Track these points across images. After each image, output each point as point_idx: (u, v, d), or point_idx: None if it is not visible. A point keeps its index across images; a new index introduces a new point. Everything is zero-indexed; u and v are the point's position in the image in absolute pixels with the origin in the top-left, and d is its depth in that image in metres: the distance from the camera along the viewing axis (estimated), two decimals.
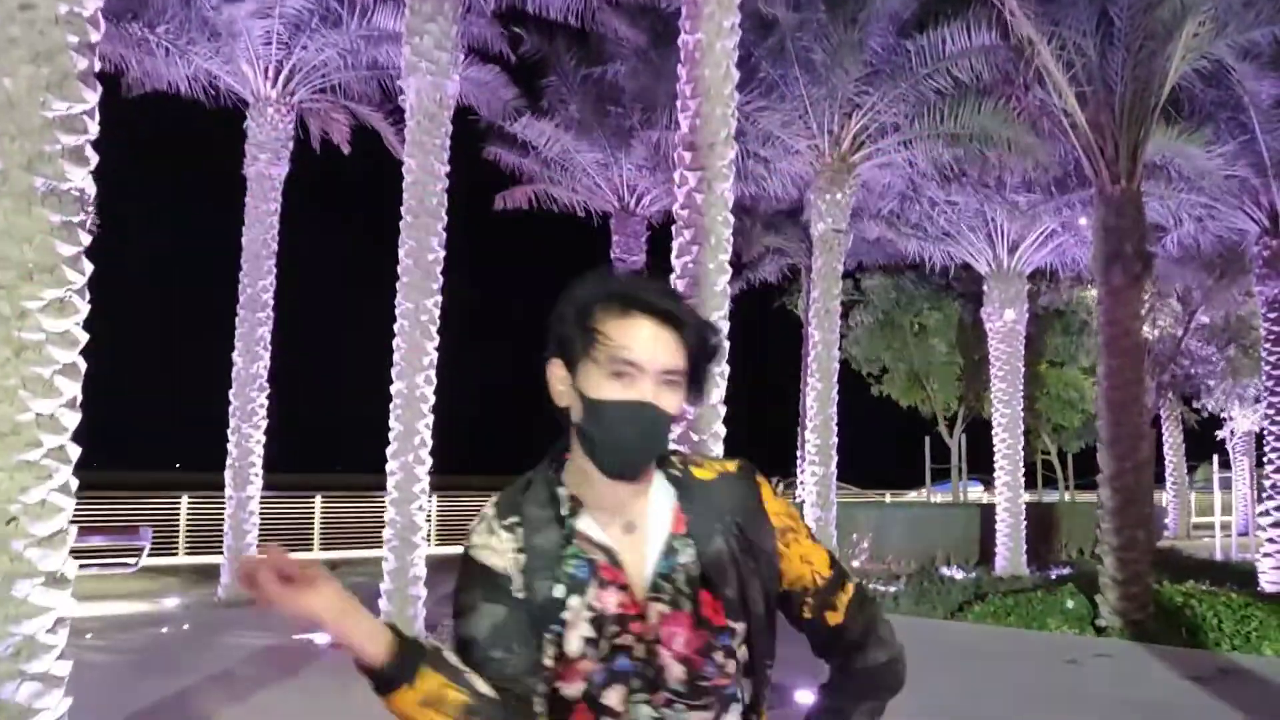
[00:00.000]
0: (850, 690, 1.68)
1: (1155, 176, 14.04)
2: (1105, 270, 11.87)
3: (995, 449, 17.43)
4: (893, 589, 14.13)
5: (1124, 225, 11.95)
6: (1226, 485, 24.59)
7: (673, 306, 1.50)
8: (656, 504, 1.55)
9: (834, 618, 1.63)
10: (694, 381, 1.54)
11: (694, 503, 1.55)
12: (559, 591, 1.48)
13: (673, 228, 9.26)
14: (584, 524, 1.53)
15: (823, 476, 14.19)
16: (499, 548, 1.52)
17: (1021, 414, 17.43)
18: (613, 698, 1.47)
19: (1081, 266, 17.78)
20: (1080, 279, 19.15)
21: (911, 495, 29.57)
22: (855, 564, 16.87)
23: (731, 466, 1.61)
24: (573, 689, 1.48)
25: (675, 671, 1.47)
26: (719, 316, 8.87)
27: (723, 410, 8.80)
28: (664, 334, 1.48)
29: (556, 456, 1.59)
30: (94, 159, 4.75)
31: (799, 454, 21.85)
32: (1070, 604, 11.84)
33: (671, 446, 1.59)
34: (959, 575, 15.90)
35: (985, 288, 17.49)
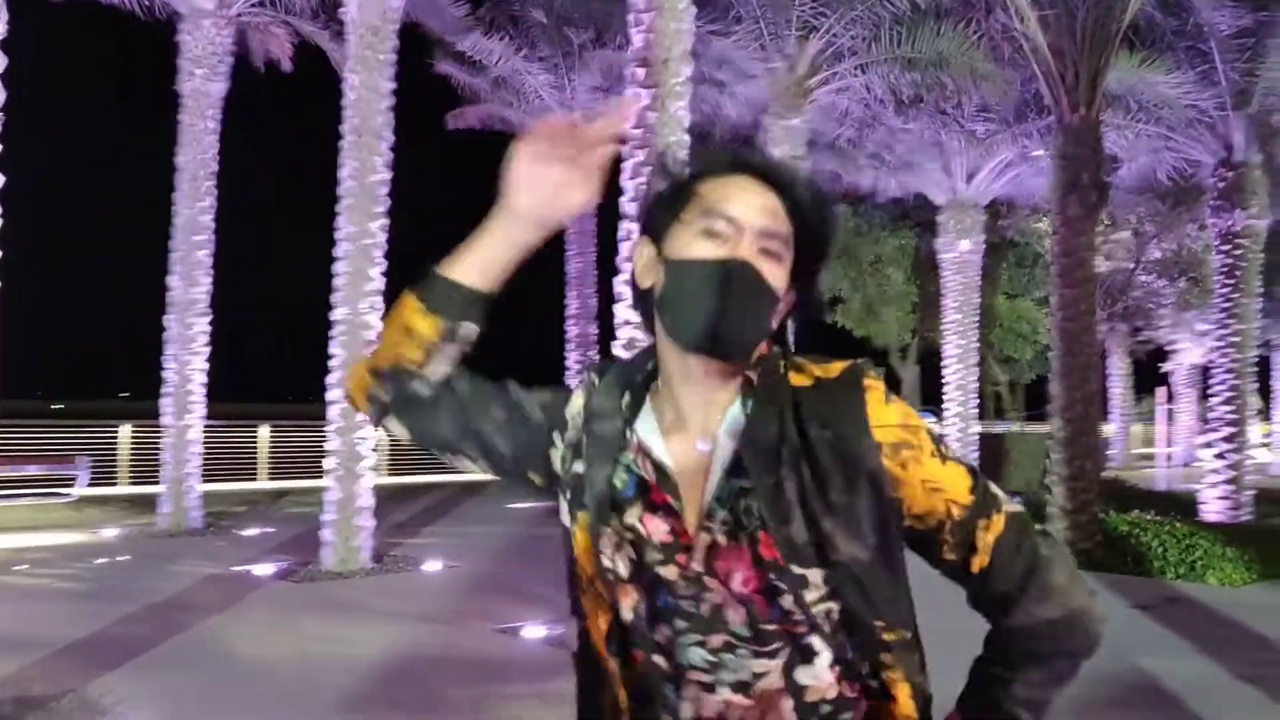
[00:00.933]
0: (1008, 655, 1.33)
1: (1113, 106, 13.90)
2: (1062, 200, 11.75)
3: (947, 380, 17.46)
4: None
5: (1082, 154, 11.81)
6: (1169, 417, 24.96)
7: (780, 169, 1.30)
8: (730, 414, 1.29)
9: (979, 560, 1.29)
10: (802, 264, 1.30)
11: (767, 415, 1.25)
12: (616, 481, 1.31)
13: (624, 148, 8.96)
14: (645, 429, 1.31)
15: None
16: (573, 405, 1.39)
17: (975, 345, 17.45)
18: (661, 635, 1.26)
19: (1038, 198, 17.71)
20: (1036, 210, 19.10)
21: None
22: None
23: (835, 369, 1.29)
24: (626, 614, 1.28)
25: (733, 613, 1.23)
26: None
27: None
28: (768, 195, 1.28)
29: (650, 348, 1.38)
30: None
31: None
32: None
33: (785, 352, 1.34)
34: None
35: (940, 218, 17.36)
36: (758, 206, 1.26)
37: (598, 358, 18.63)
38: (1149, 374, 30.13)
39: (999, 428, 23.47)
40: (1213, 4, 12.99)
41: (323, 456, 10.55)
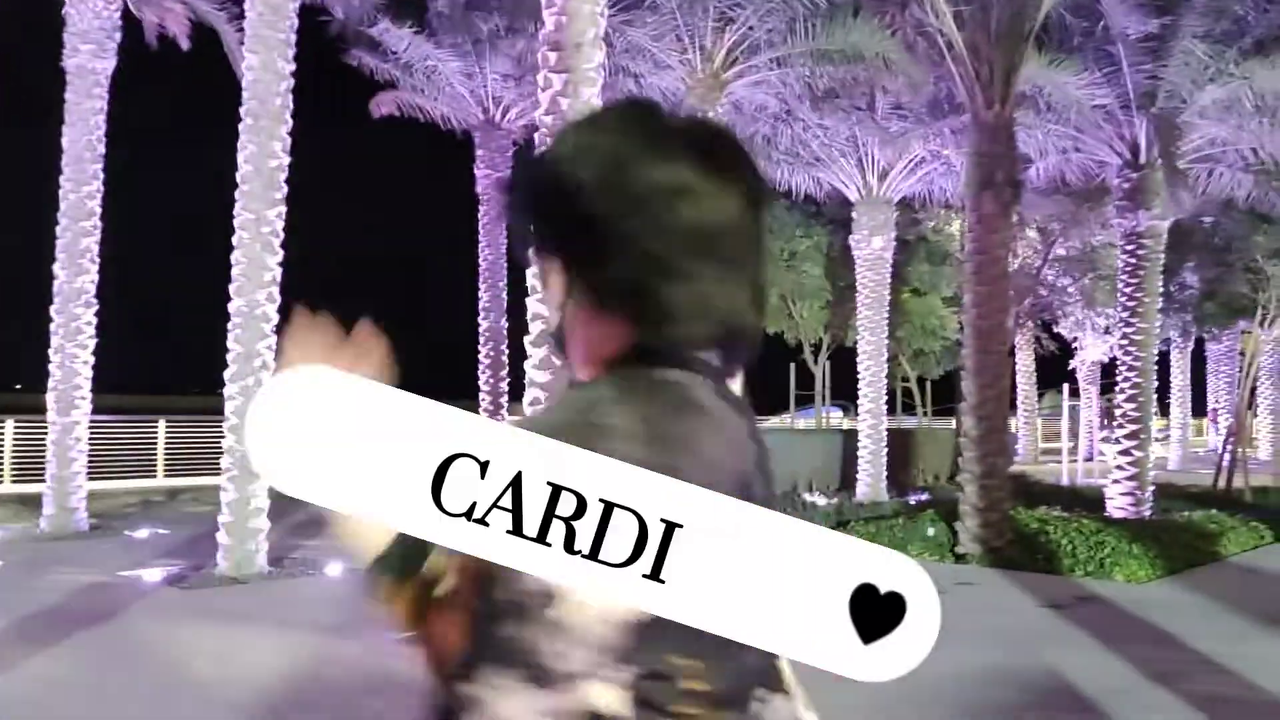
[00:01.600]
0: None
1: (1024, 106, 14.00)
2: (976, 197, 11.77)
3: (860, 375, 17.49)
4: None
5: (997, 152, 11.87)
6: (1073, 413, 25.50)
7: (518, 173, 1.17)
8: None
9: None
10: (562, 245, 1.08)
11: None
12: None
13: (535, 135, 8.67)
14: None
15: None
16: None
17: (886, 341, 17.52)
18: None
19: (949, 195, 17.83)
20: (948, 207, 19.25)
21: (774, 421, 29.86)
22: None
23: None
24: None
25: None
26: None
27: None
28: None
29: None
30: None
31: None
32: (931, 531, 11.91)
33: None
34: (821, 501, 15.96)
35: (854, 215, 17.37)
36: None
37: (507, 351, 18.37)
38: (1050, 370, 30.83)
39: (908, 423, 23.70)
40: (1122, 9, 13.15)
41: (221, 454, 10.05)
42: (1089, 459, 24.52)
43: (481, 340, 17.97)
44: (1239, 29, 13.63)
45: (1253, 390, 21.29)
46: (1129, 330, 14.54)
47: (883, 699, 5.98)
